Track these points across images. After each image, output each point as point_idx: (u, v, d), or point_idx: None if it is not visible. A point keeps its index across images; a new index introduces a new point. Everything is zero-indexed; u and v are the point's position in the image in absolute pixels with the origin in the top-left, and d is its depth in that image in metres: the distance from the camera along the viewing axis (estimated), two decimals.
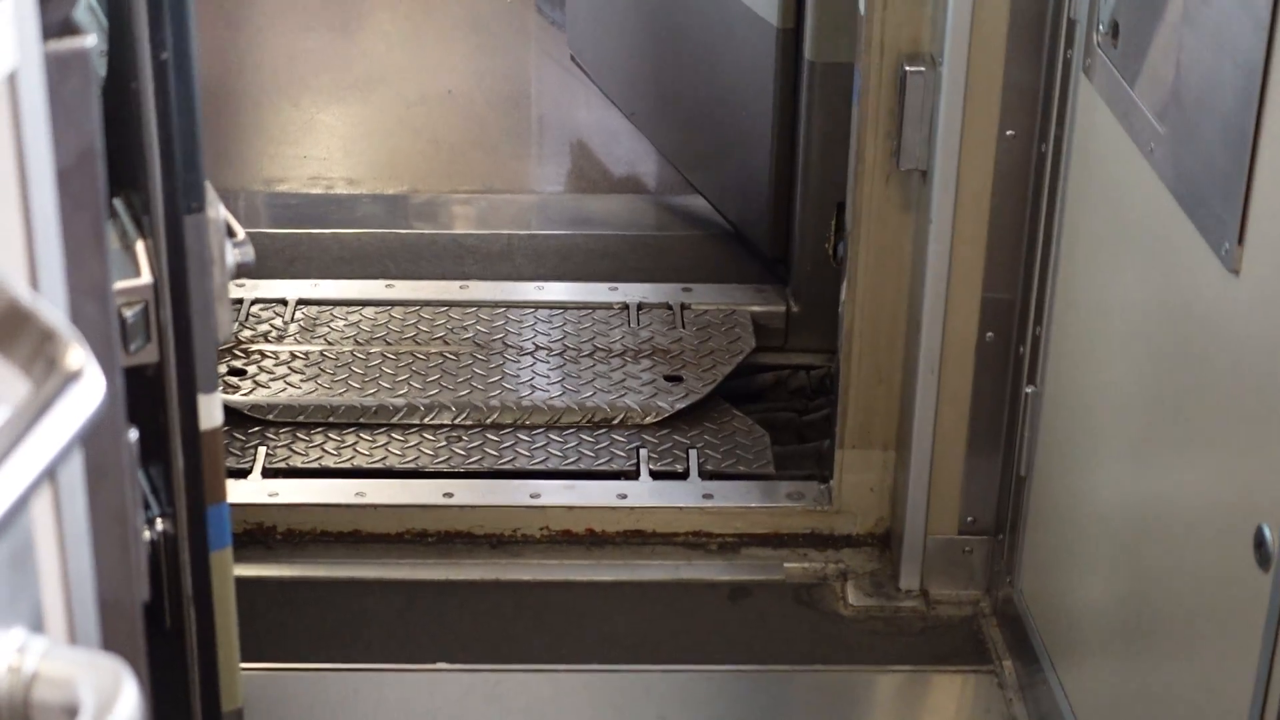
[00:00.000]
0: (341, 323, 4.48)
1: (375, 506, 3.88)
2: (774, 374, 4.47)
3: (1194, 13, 2.57)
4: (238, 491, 3.87)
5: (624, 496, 3.92)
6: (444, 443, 4.08)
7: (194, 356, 2.09)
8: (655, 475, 4.01)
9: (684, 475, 4.01)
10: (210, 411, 2.15)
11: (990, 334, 3.52)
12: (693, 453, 4.07)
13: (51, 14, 1.18)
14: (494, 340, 4.43)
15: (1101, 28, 2.98)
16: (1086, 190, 3.13)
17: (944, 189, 3.42)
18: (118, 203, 2.10)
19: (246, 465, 3.97)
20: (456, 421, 4.13)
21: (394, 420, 4.13)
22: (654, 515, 3.90)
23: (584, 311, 4.57)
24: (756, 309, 4.58)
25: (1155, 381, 2.78)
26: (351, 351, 4.36)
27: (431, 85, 6.18)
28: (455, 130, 5.84)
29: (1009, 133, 3.37)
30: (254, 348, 4.35)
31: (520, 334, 4.46)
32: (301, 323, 4.47)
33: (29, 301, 1.04)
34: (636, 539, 3.90)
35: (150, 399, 2.09)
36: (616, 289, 4.68)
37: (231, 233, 2.16)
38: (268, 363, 4.30)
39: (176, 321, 2.05)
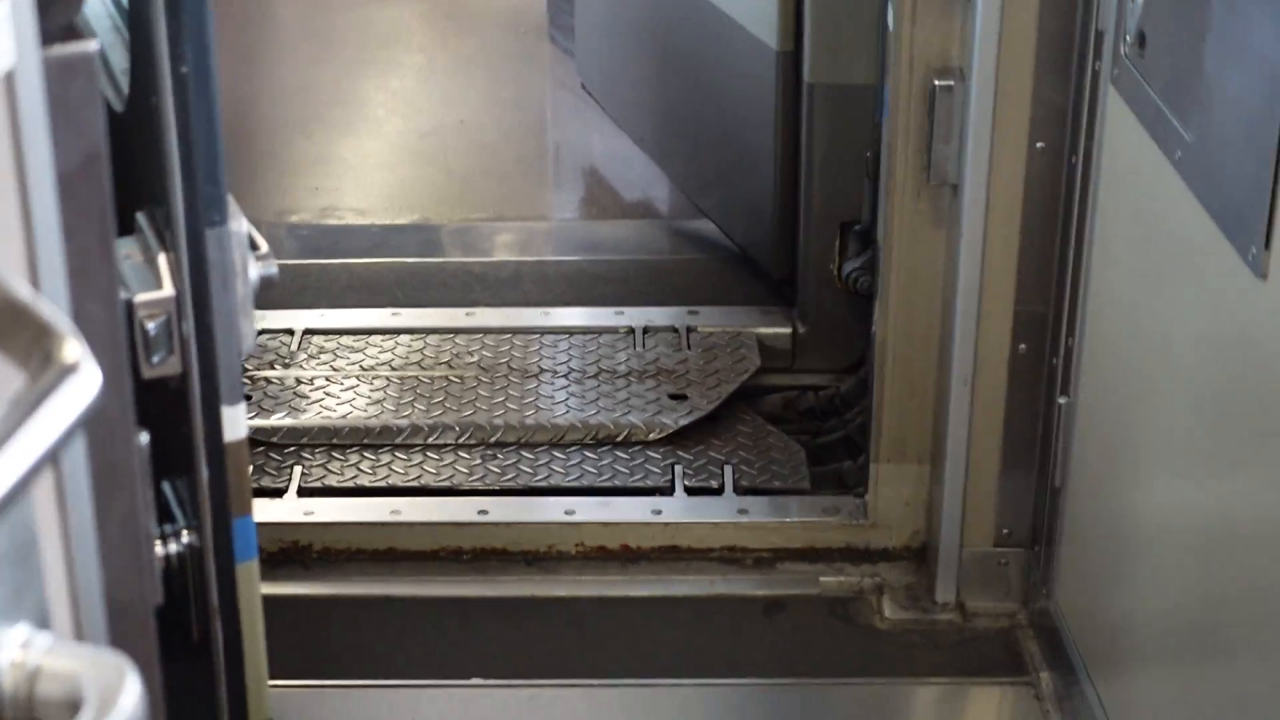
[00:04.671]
0: (348, 351, 4.49)
1: (410, 524, 3.89)
2: (782, 395, 4.46)
3: (1220, 19, 2.57)
4: (273, 510, 3.89)
5: (659, 512, 3.93)
6: (479, 460, 4.09)
7: (217, 369, 2.11)
8: (690, 491, 4.01)
9: (719, 491, 4.01)
10: (234, 423, 2.16)
11: (1023, 346, 3.51)
12: (728, 468, 4.08)
13: (54, 18, 1.19)
14: (499, 364, 4.44)
15: (1129, 38, 2.98)
16: (1116, 200, 3.13)
17: (974, 203, 3.42)
18: (141, 217, 2.11)
19: (282, 485, 3.99)
20: (460, 441, 4.14)
21: (396, 441, 4.14)
22: (689, 531, 3.91)
23: (590, 336, 4.58)
24: (763, 331, 4.58)
25: (1189, 389, 2.78)
26: (357, 377, 4.37)
27: (445, 116, 6.20)
28: (467, 159, 5.86)
29: (1039, 145, 3.36)
30: (259, 375, 4.36)
31: (525, 358, 4.46)
32: (308, 351, 4.48)
33: (26, 297, 1.05)
34: (671, 555, 3.90)
35: (174, 411, 2.10)
36: (623, 313, 4.68)
37: (254, 246, 2.17)
38: (272, 388, 4.32)
39: (199, 334, 2.07)
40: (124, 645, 1.39)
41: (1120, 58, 3.03)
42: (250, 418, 4.19)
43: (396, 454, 4.11)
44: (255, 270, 2.16)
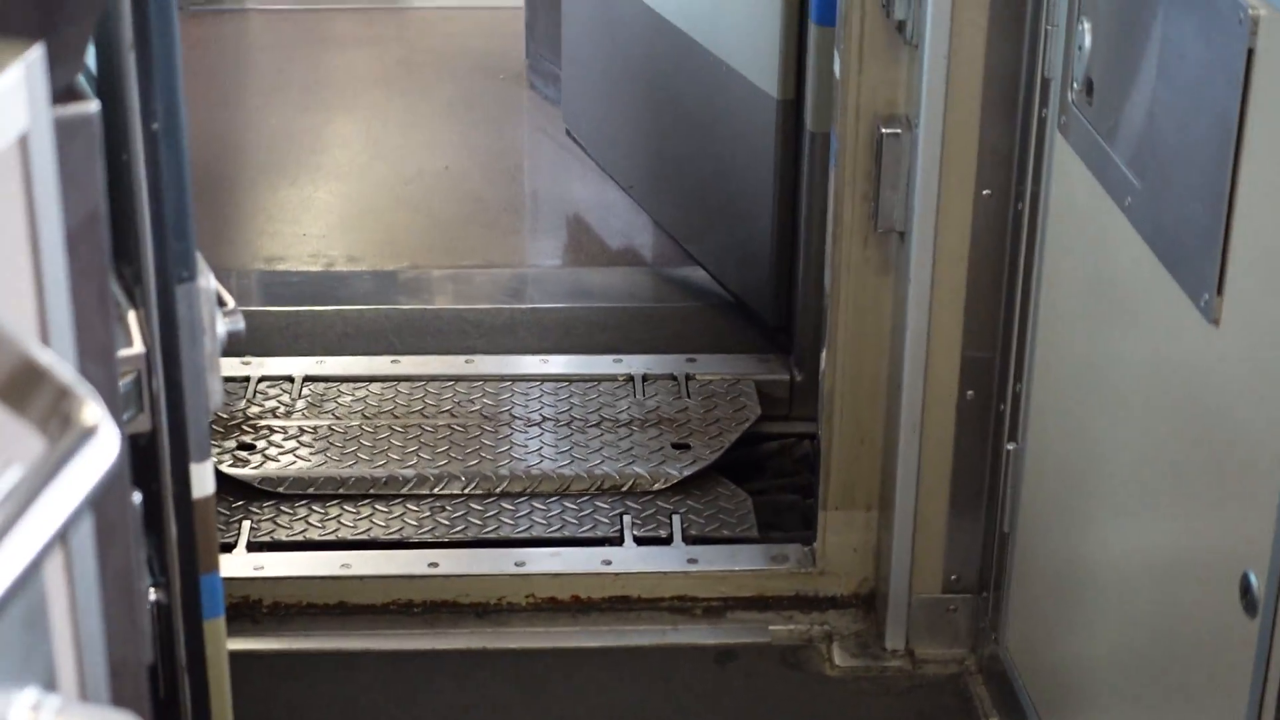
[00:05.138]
0: (349, 398, 4.50)
1: (361, 578, 3.88)
2: (778, 443, 4.48)
3: (1168, 67, 2.60)
4: (223, 565, 3.85)
5: (609, 563, 3.93)
6: (428, 512, 4.09)
7: (186, 425, 2.10)
8: (639, 541, 4.02)
9: (668, 540, 4.02)
10: (203, 480, 2.16)
11: (971, 392, 3.54)
12: (676, 518, 4.08)
13: (57, 79, 1.19)
14: (501, 413, 4.45)
15: (1075, 85, 3.01)
16: (1064, 247, 3.16)
17: (922, 249, 3.44)
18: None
19: (231, 539, 3.97)
20: (466, 491, 4.15)
21: (402, 491, 4.14)
22: (639, 581, 3.91)
23: (589, 384, 4.60)
24: (760, 378, 4.61)
25: (1139, 434, 2.80)
26: (360, 425, 4.37)
27: (428, 162, 6.20)
28: (452, 206, 5.86)
29: (985, 192, 3.39)
30: (262, 423, 4.36)
31: (527, 406, 4.48)
32: (309, 399, 4.48)
33: (45, 360, 1.05)
34: (622, 605, 3.90)
35: (143, 468, 2.09)
36: (620, 360, 4.71)
37: (222, 302, 2.17)
38: (277, 437, 4.31)
39: (169, 391, 2.06)
40: (122, 704, 1.39)
41: (1068, 105, 3.06)
42: (256, 467, 4.18)
43: (345, 506, 4.10)
44: (223, 326, 2.16)
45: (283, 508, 4.10)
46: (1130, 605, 2.88)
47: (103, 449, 1.04)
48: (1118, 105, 2.83)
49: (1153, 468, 2.75)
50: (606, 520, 4.08)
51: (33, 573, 1.00)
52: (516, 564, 3.92)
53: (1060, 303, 3.19)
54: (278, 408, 4.44)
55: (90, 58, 2.14)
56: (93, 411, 1.04)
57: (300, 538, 4.00)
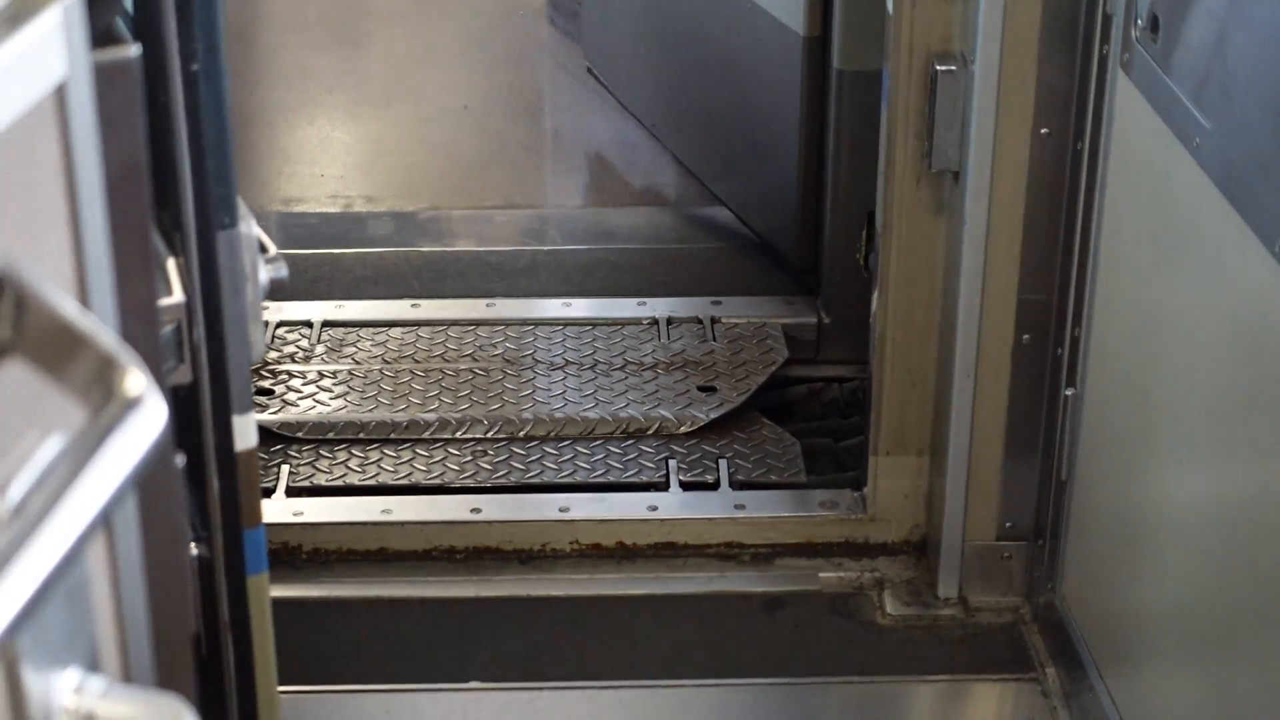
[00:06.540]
0: (368, 343, 4.42)
1: (402, 524, 3.81)
2: (806, 387, 4.40)
3: (1241, 1, 2.51)
4: (262, 512, 3.80)
5: (654, 509, 3.86)
6: (470, 457, 4.02)
7: (228, 377, 2.03)
8: (685, 486, 3.95)
9: (715, 486, 3.95)
10: (245, 433, 2.09)
11: (1027, 336, 3.45)
12: (723, 463, 4.01)
13: (96, 22, 1.12)
14: (524, 357, 4.37)
15: (1140, 22, 2.92)
16: (1126, 187, 3.07)
17: (977, 190, 3.36)
18: None
19: (270, 484, 3.91)
20: (489, 435, 4.07)
21: (424, 435, 4.07)
22: (685, 527, 3.84)
23: (613, 328, 4.52)
24: (787, 321, 4.51)
25: (1208, 381, 2.72)
26: (380, 370, 4.30)
27: (447, 100, 6.11)
28: (473, 145, 5.77)
29: (1043, 131, 3.30)
30: (281, 369, 4.28)
31: (550, 350, 4.40)
32: (328, 343, 4.41)
33: (85, 324, 0.98)
34: (668, 551, 3.83)
35: (184, 421, 2.03)
36: (645, 304, 4.62)
37: (264, 249, 2.10)
38: (295, 382, 4.24)
39: (210, 341, 1.99)
40: (166, 678, 1.32)
41: (1131, 42, 2.97)
42: (275, 412, 4.11)
43: (385, 451, 4.03)
44: (265, 274, 2.09)
45: (322, 451, 4.03)
46: (1196, 556, 2.81)
47: (149, 421, 0.97)
48: (1185, 42, 2.74)
49: (1219, 416, 2.68)
50: (651, 465, 4.01)
51: (77, 553, 0.93)
52: (560, 510, 3.85)
53: (1121, 245, 3.11)
54: (296, 353, 4.36)
55: None
56: (137, 380, 0.97)
57: (340, 482, 3.93)
